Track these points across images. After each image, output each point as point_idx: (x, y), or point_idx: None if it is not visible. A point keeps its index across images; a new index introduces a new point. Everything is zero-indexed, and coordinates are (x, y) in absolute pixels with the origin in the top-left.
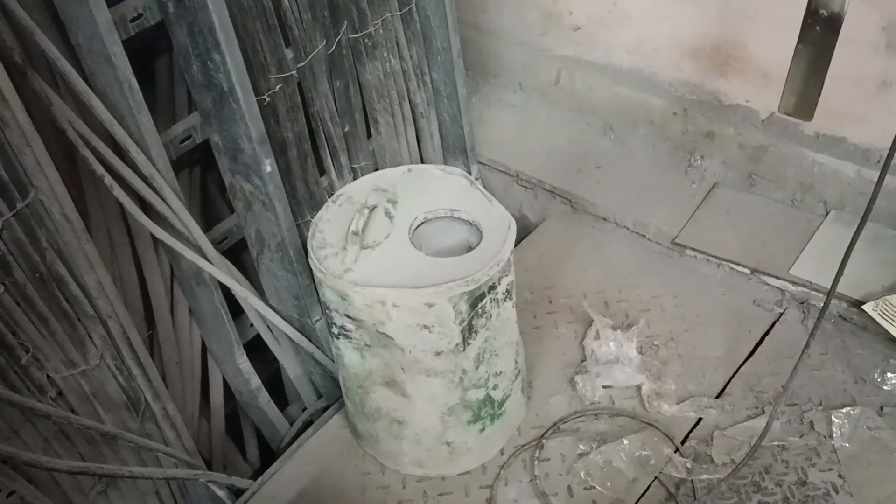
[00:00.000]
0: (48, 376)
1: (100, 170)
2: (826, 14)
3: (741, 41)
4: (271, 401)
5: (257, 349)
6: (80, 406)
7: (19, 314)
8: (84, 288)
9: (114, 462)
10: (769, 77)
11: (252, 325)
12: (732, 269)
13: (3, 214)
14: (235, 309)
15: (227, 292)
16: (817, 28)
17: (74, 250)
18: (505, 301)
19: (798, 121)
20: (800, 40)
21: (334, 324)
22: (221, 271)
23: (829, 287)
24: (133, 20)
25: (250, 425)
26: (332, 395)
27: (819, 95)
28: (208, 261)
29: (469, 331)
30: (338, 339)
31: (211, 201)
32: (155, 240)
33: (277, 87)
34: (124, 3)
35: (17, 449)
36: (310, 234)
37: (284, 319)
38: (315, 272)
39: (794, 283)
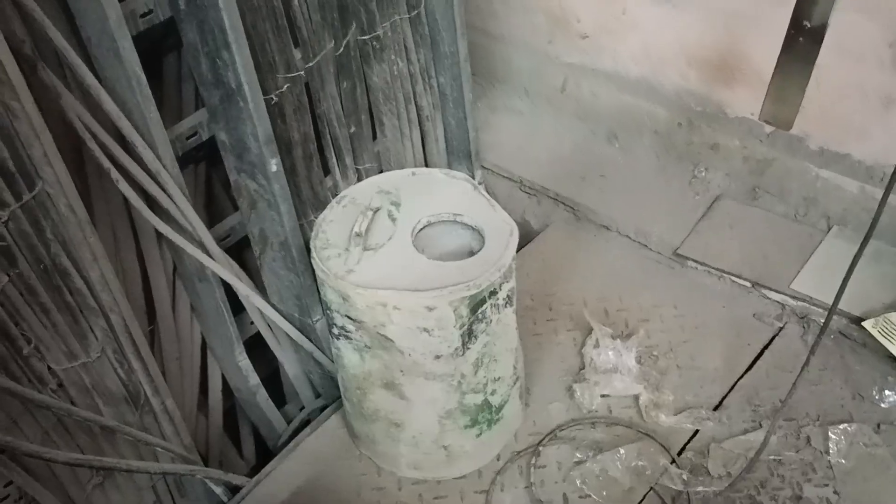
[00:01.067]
0: (49, 368)
1: (106, 164)
2: (810, 26)
3: (748, 54)
4: (269, 399)
5: (257, 347)
6: (79, 398)
7: (22, 305)
8: (87, 280)
9: (112, 455)
10: None
11: (252, 322)
12: (733, 281)
13: (10, 205)
14: (236, 306)
15: (228, 289)
16: (801, 39)
17: (79, 243)
18: (506, 307)
19: (802, 135)
20: (783, 51)
21: (335, 324)
22: (224, 268)
23: (829, 303)
24: (143, 16)
25: (247, 422)
26: (330, 394)
27: (799, 105)
28: (211, 257)
29: (469, 335)
30: (338, 339)
31: (215, 198)
32: (158, 235)
33: (285, 86)
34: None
35: (16, 439)
36: (313, 234)
37: (285, 318)
38: (317, 272)
39: (794, 298)
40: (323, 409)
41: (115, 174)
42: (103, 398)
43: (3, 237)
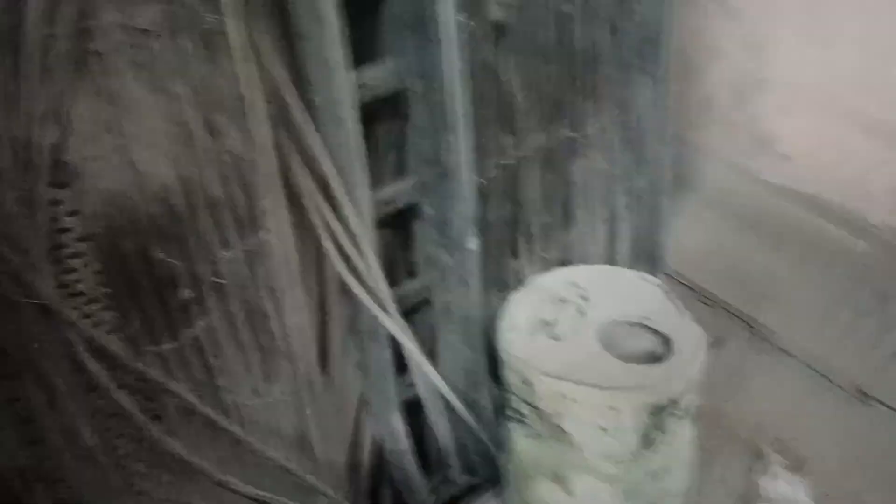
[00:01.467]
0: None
1: (316, 220)
2: None
3: None
4: (417, 465)
5: (410, 407)
6: (255, 436)
7: (225, 341)
8: (285, 327)
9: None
10: None
11: (409, 385)
12: None
13: (235, 247)
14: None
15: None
16: None
17: (286, 292)
18: (685, 419)
19: None
20: None
21: (510, 406)
22: (402, 333)
23: None
24: (367, 87)
25: (389, 483)
26: (483, 473)
27: None
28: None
29: (646, 442)
30: (510, 421)
31: (394, 263)
32: (342, 291)
33: (495, 172)
34: (364, 71)
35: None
36: (500, 315)
37: (453, 390)
38: (501, 353)
39: None
40: (471, 487)
41: (322, 231)
42: (275, 439)
43: (221, 275)
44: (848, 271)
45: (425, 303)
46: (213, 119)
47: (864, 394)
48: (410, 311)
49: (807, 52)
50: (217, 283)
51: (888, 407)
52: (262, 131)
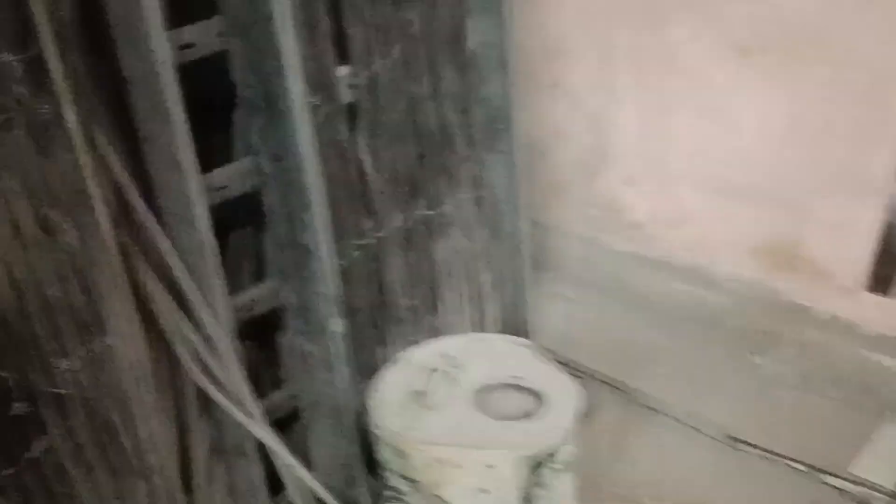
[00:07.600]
0: None
1: (167, 324)
2: None
3: (803, 242)
4: None
5: None
6: None
7: (70, 462)
8: (138, 441)
9: None
10: (830, 277)
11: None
12: (788, 465)
13: (75, 353)
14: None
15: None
16: None
17: (136, 401)
18: (564, 472)
19: (859, 322)
20: None
21: (388, 486)
22: (269, 437)
23: (890, 487)
24: (219, 189)
25: None
26: None
27: None
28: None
29: (528, 500)
30: (388, 502)
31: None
32: (203, 404)
33: (355, 253)
34: (214, 174)
35: None
36: (369, 393)
37: (329, 491)
38: (373, 430)
39: (853, 483)
40: None
41: (174, 335)
42: None
43: (60, 385)
44: (707, 327)
45: (295, 416)
46: (46, 214)
47: (734, 439)
48: (281, 425)
49: (646, 125)
50: (56, 394)
51: (755, 447)
52: (102, 228)
